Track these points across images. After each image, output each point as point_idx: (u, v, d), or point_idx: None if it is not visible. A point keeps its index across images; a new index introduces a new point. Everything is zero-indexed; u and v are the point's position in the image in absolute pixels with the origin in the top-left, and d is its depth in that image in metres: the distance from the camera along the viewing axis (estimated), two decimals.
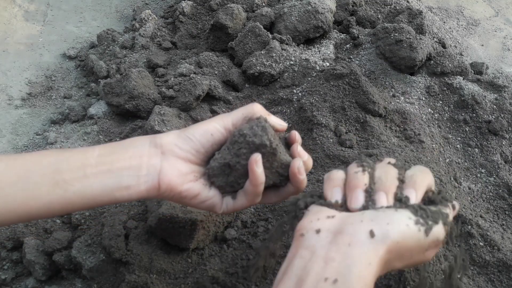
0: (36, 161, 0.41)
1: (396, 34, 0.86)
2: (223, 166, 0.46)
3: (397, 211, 0.37)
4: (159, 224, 0.58)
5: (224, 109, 0.81)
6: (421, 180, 0.40)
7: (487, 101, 0.82)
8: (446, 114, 0.82)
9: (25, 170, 0.40)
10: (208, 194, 0.46)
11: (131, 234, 0.61)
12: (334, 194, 0.40)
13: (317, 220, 0.37)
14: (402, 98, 0.83)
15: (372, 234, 0.35)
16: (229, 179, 0.46)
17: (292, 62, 0.85)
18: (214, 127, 0.46)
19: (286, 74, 0.84)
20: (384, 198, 0.39)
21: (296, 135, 0.49)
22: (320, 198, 0.41)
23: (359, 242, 0.34)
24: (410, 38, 0.84)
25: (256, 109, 0.47)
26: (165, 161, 0.44)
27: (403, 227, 0.36)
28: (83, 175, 0.41)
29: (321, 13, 0.90)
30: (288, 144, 0.49)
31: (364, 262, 0.34)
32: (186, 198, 0.45)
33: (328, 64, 0.87)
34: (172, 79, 0.84)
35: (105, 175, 0.42)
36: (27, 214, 0.40)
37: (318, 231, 0.36)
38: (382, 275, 0.37)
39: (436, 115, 0.82)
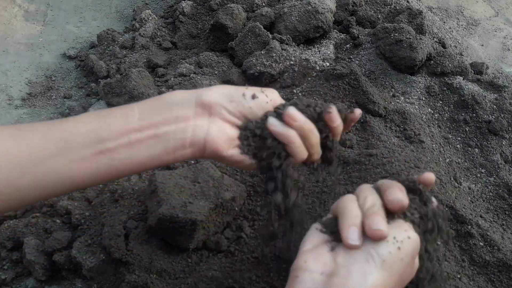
0: (74, 131, 0.38)
1: (396, 34, 0.86)
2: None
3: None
4: (159, 224, 0.58)
5: None
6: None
7: (487, 101, 0.82)
8: (446, 114, 0.82)
9: (64, 141, 0.38)
10: (250, 161, 0.45)
11: (131, 234, 0.61)
12: (352, 235, 0.37)
13: (312, 260, 0.37)
14: (402, 98, 0.83)
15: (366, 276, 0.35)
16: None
17: (292, 62, 0.85)
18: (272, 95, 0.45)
19: (286, 74, 0.84)
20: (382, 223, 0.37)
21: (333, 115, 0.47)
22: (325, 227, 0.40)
23: (352, 285, 0.34)
24: (410, 38, 0.84)
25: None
26: (213, 124, 0.42)
27: (389, 259, 0.36)
28: (128, 142, 0.39)
29: (321, 13, 0.90)
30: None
31: None
32: (228, 162, 0.45)
33: (328, 64, 0.87)
34: (172, 79, 0.84)
35: (151, 141, 0.40)
36: (72, 184, 0.39)
37: (312, 273, 0.36)
38: None
39: (436, 115, 0.82)
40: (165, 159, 0.41)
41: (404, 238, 0.37)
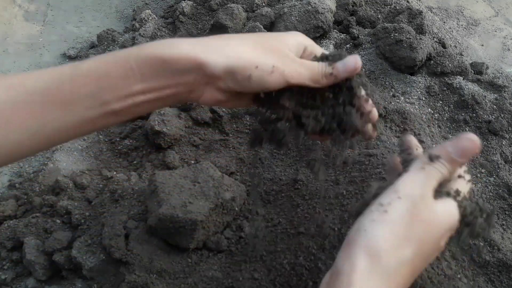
0: (75, 92, 0.38)
1: (396, 34, 0.86)
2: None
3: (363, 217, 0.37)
4: (159, 224, 0.58)
5: (224, 109, 0.81)
6: None
7: (487, 101, 0.82)
8: (446, 114, 0.82)
9: (68, 104, 0.38)
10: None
11: (131, 234, 0.61)
12: None
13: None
14: (402, 98, 0.83)
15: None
16: None
17: None
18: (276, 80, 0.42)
19: None
20: None
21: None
22: None
23: (341, 274, 0.34)
24: (410, 38, 0.84)
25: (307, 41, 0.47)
26: (208, 91, 0.43)
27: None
28: (132, 104, 0.41)
29: (321, 13, 0.90)
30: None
31: None
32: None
33: None
34: None
35: (154, 102, 0.42)
36: (74, 137, 0.41)
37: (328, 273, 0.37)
38: None
39: (436, 115, 0.82)
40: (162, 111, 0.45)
41: (388, 204, 0.37)
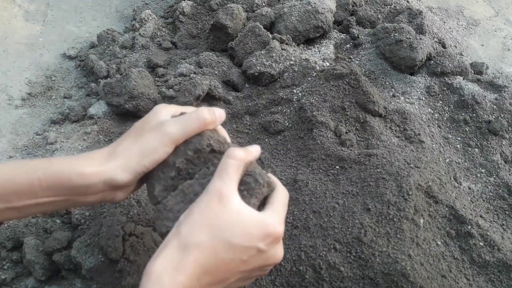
0: None
1: (396, 34, 0.86)
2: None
3: None
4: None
5: (224, 109, 0.81)
6: None
7: (487, 101, 0.82)
8: (446, 114, 0.82)
9: None
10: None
11: (131, 234, 0.61)
12: None
13: None
14: (402, 98, 0.83)
15: None
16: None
17: (292, 62, 0.85)
18: (164, 152, 0.47)
19: (286, 74, 0.84)
20: None
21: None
22: None
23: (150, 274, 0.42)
24: (410, 38, 0.84)
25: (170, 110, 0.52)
26: (119, 194, 0.49)
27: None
28: (35, 203, 0.44)
29: (321, 13, 0.90)
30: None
31: None
32: None
33: (328, 64, 0.87)
34: (172, 79, 0.84)
35: (60, 203, 0.45)
36: None
37: None
38: None
39: (436, 115, 0.82)
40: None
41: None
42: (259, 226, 0.43)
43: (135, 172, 0.46)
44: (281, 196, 0.48)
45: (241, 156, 0.46)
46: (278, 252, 0.46)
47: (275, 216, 0.45)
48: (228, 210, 0.42)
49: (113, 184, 0.46)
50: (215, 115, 0.49)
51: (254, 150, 0.49)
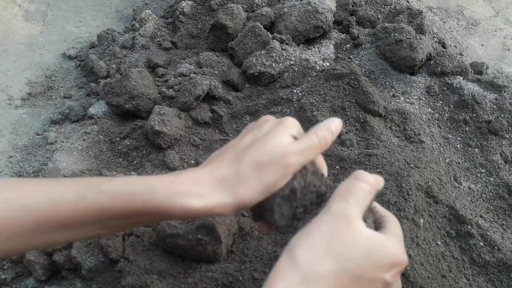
0: (78, 219, 0.38)
1: (396, 34, 0.86)
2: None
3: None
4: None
5: (224, 109, 0.81)
6: None
7: (487, 101, 0.82)
8: (446, 114, 0.82)
9: (65, 226, 0.38)
10: None
11: (131, 235, 0.61)
12: None
13: None
14: (402, 98, 0.83)
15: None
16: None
17: (292, 62, 0.85)
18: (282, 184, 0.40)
19: (286, 74, 0.84)
20: None
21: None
22: None
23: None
24: (410, 38, 0.84)
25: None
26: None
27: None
28: (132, 225, 0.42)
29: (321, 13, 0.90)
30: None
31: None
32: None
33: (328, 64, 0.87)
34: (172, 79, 0.84)
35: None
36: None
37: None
38: None
39: (436, 115, 0.82)
40: None
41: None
42: (388, 256, 0.37)
43: (245, 207, 0.39)
44: (396, 224, 0.42)
45: (372, 182, 0.40)
46: (399, 285, 0.40)
47: (399, 244, 0.39)
48: (356, 235, 0.36)
49: (215, 215, 0.40)
50: (334, 134, 0.43)
51: (381, 181, 0.42)
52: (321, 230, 0.36)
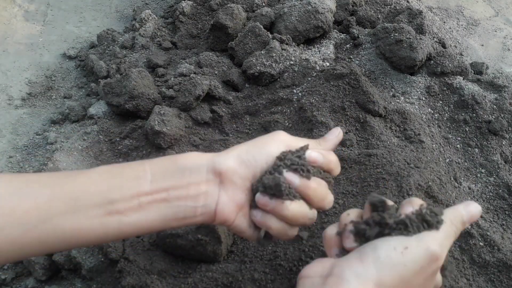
0: (84, 190, 0.38)
1: (396, 34, 0.86)
2: None
3: (381, 242, 0.38)
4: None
5: (224, 109, 0.81)
6: None
7: (487, 101, 0.82)
8: (446, 114, 0.82)
9: (74, 199, 0.38)
10: (250, 233, 0.45)
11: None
12: (332, 253, 0.43)
13: (315, 265, 0.39)
14: (402, 98, 0.83)
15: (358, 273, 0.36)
16: None
17: (292, 62, 0.85)
18: (276, 148, 0.45)
19: (286, 74, 0.84)
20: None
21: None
22: None
23: (345, 281, 0.36)
24: (410, 38, 0.84)
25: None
26: (224, 192, 0.42)
27: (386, 259, 0.37)
28: (138, 205, 0.39)
29: (321, 13, 0.90)
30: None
31: None
32: (233, 230, 0.45)
33: (328, 64, 0.87)
34: (172, 79, 0.84)
35: (161, 205, 0.40)
36: (78, 243, 0.39)
37: (312, 278, 0.38)
38: None
39: (436, 115, 0.82)
40: (174, 225, 0.41)
41: (411, 246, 0.38)
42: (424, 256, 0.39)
43: (239, 158, 0.43)
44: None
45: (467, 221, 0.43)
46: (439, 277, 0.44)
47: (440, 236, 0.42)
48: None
49: (216, 169, 0.42)
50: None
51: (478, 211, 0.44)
52: (414, 264, 0.38)
